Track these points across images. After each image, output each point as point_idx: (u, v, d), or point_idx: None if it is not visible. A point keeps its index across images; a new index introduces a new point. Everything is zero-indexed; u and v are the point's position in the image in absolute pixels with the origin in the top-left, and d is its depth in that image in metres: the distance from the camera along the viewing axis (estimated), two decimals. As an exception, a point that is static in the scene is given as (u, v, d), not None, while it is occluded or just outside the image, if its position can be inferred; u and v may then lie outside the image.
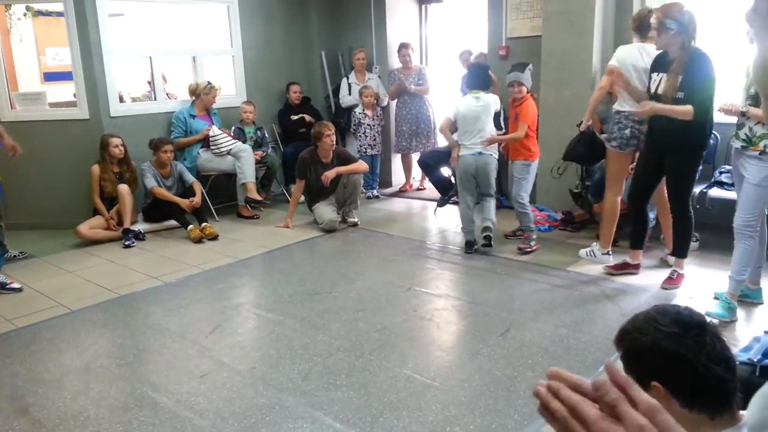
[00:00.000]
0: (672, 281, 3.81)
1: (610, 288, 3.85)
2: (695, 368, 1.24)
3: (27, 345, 3.33)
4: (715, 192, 4.36)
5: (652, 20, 3.56)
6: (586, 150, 4.37)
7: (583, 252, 4.41)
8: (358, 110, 6.57)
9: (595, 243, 4.37)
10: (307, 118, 6.65)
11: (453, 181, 5.82)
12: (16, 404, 2.71)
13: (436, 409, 2.56)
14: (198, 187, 5.59)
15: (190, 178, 5.62)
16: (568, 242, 4.80)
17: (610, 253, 4.27)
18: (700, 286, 3.81)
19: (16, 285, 4.07)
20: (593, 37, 4.99)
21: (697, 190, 4.41)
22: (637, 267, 4.05)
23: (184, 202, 5.38)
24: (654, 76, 3.67)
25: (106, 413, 2.62)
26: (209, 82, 6.03)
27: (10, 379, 2.94)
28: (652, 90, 3.66)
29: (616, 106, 4.07)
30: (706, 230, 4.44)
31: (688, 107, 3.44)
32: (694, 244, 4.45)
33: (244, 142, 6.06)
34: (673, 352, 1.25)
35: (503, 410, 2.53)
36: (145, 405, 2.67)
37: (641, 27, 3.94)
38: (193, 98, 6.02)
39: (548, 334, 3.21)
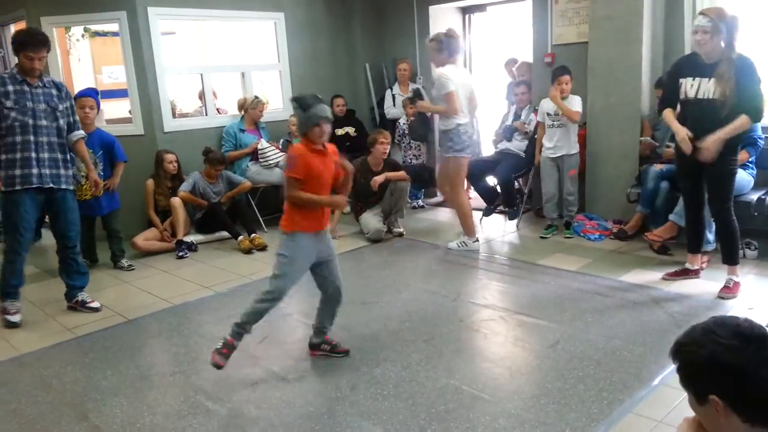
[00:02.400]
0: (728, 290, 3.68)
1: (663, 298, 3.74)
2: (756, 382, 1.20)
3: (86, 353, 3.46)
4: (775, 199, 4.20)
5: (703, 21, 3.45)
6: (425, 129, 5.23)
7: (453, 244, 4.97)
8: (402, 121, 6.60)
9: (462, 235, 4.97)
10: (350, 132, 6.73)
11: (498, 190, 5.78)
12: (76, 410, 2.82)
13: (485, 421, 2.54)
14: (246, 185, 5.80)
15: (239, 179, 5.83)
16: (620, 251, 4.69)
17: (478, 239, 5.01)
18: (760, 296, 3.67)
19: (95, 304, 4.12)
20: (641, 43, 4.89)
21: (755, 196, 4.27)
22: (697, 272, 4.00)
23: (203, 203, 5.55)
24: (688, 80, 3.58)
25: (162, 420, 2.70)
26: (256, 97, 6.18)
27: (71, 386, 3.06)
28: (690, 95, 3.58)
29: (456, 121, 4.64)
30: (765, 238, 4.27)
31: (745, 119, 3.39)
32: (752, 253, 4.30)
33: (291, 155, 6.16)
34: (732, 366, 1.21)
35: (554, 423, 2.48)
36: (198, 412, 2.74)
37: (452, 49, 4.61)
38: (242, 113, 6.18)
39: (600, 345, 3.14)
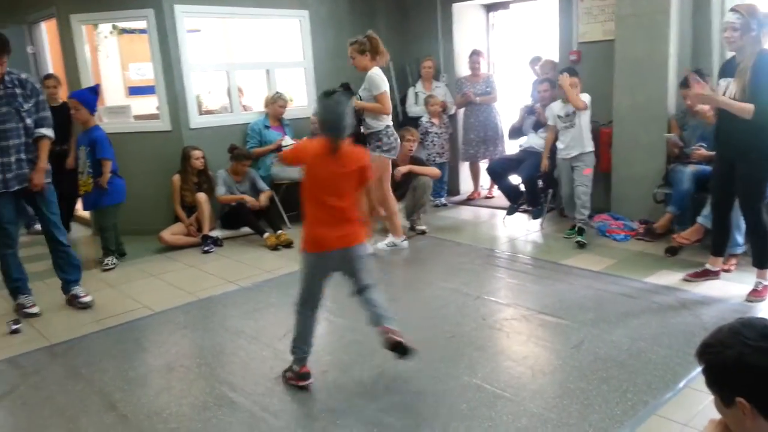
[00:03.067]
0: (757, 293, 3.63)
1: (690, 300, 3.70)
2: None
3: (114, 344, 3.54)
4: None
5: (733, 18, 3.38)
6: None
7: (381, 245, 5.02)
8: (424, 119, 6.60)
9: (389, 235, 5.09)
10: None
11: (522, 189, 5.76)
12: (105, 400, 2.88)
13: (507, 419, 2.54)
14: (268, 195, 5.81)
15: (263, 186, 5.83)
16: (646, 252, 4.64)
17: (407, 238, 5.16)
18: (789, 299, 3.61)
19: (87, 299, 4.14)
20: (668, 41, 4.83)
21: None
22: (717, 273, 3.97)
23: (250, 200, 5.60)
24: (722, 82, 3.57)
25: (187, 410, 2.75)
26: (277, 92, 6.24)
27: (99, 376, 3.13)
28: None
29: (385, 122, 4.76)
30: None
31: (749, 105, 3.33)
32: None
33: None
34: (759, 368, 1.20)
35: (577, 423, 2.48)
36: (223, 404, 2.78)
37: (373, 51, 4.71)
38: (268, 110, 6.24)
39: (625, 347, 3.12)
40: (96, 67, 7.01)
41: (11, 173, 3.77)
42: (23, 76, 3.87)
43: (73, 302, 4.14)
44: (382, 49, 4.79)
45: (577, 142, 5.01)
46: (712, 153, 4.16)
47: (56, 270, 4.17)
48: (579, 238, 4.92)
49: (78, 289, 4.18)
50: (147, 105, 7.19)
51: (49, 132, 3.94)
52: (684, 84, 4.61)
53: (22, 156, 3.82)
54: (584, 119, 5.00)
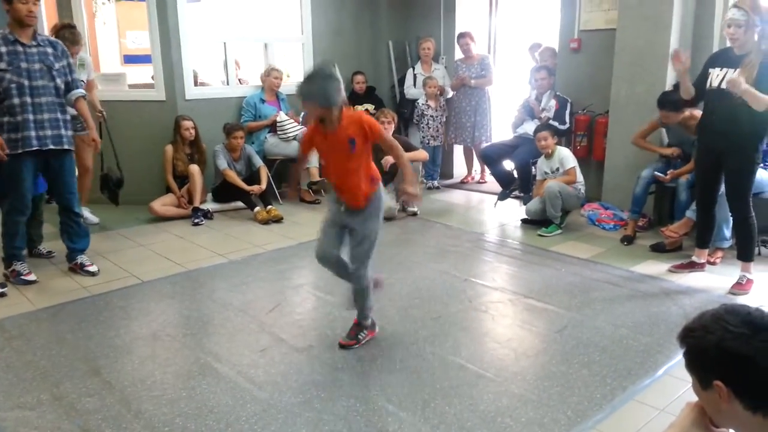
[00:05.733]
0: (741, 286, 3.67)
1: (674, 290, 3.73)
2: (762, 372, 1.20)
3: (100, 311, 3.53)
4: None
5: (735, 15, 3.42)
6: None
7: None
8: (421, 101, 6.57)
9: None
10: (370, 109, 6.71)
11: (515, 175, 5.76)
12: (89, 365, 2.89)
13: (488, 399, 2.57)
14: (264, 172, 5.76)
15: (258, 162, 5.80)
16: (634, 242, 4.67)
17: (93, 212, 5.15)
18: (773, 294, 3.65)
19: (93, 268, 4.11)
20: (671, 32, 4.81)
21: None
22: (702, 266, 4.02)
23: (249, 189, 5.55)
24: (715, 71, 3.59)
25: (171, 379, 2.76)
26: (271, 65, 6.19)
27: (84, 342, 3.13)
28: (714, 84, 3.59)
29: None
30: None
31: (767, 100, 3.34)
32: (766, 250, 4.27)
33: (310, 128, 6.18)
34: (740, 354, 1.22)
35: (556, 405, 2.51)
36: (207, 374, 2.79)
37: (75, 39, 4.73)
38: (263, 83, 6.19)
39: (607, 333, 3.15)
40: (93, 34, 6.93)
41: (44, 131, 3.75)
42: (52, 38, 3.91)
43: (78, 270, 4.11)
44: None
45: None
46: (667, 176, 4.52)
47: (63, 238, 4.13)
48: (544, 230, 4.94)
49: (83, 258, 4.15)
50: (143, 74, 7.13)
51: (83, 93, 4.06)
52: (661, 104, 4.52)
53: (57, 116, 3.83)
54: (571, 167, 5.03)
